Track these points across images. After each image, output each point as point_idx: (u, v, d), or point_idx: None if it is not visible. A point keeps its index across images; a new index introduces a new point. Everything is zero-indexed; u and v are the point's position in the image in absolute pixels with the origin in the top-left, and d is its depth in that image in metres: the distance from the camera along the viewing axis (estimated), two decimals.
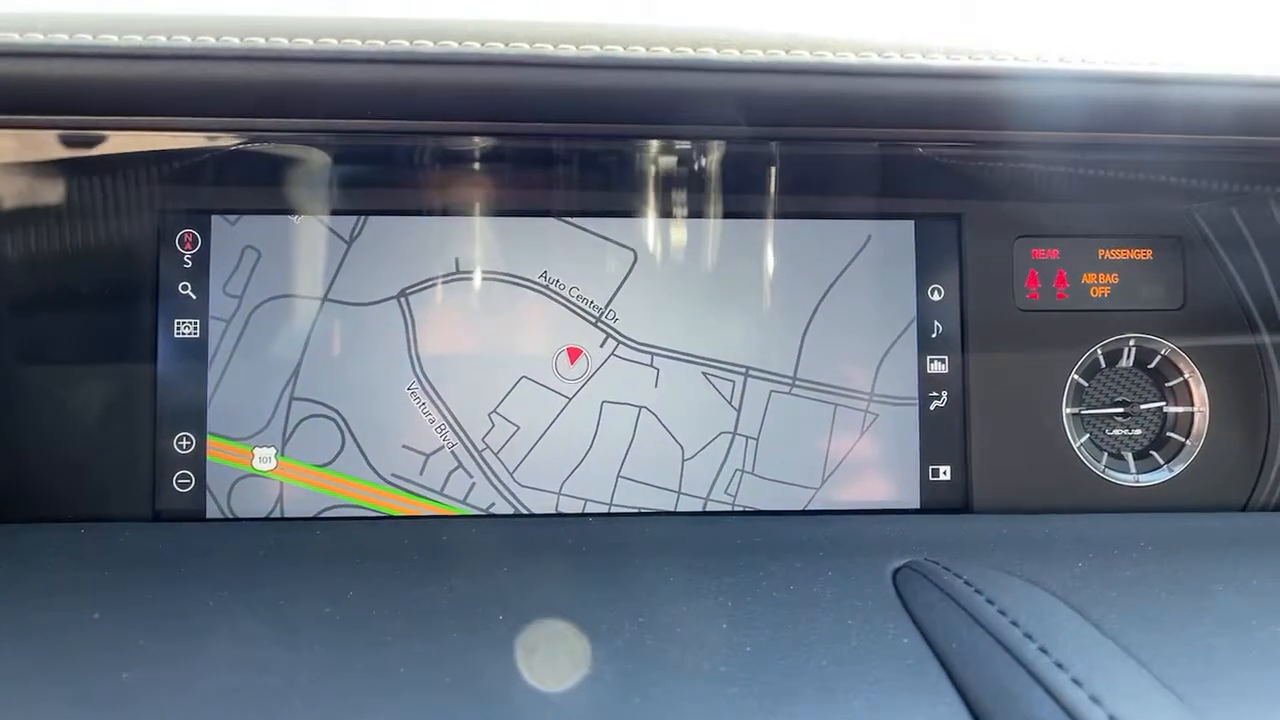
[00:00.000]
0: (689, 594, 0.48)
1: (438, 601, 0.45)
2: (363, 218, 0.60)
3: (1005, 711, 0.36)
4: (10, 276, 0.57)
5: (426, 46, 0.43)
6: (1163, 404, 0.65)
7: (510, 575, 0.50)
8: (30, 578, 0.49)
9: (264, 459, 0.59)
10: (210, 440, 0.59)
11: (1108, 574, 0.49)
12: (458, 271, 0.60)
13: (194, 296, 0.59)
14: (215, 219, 0.59)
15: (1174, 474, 0.63)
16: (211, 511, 0.59)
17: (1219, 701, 0.35)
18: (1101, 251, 0.64)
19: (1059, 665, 0.36)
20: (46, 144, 0.51)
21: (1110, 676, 0.36)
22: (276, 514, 0.59)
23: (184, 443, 0.59)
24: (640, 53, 0.44)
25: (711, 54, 0.44)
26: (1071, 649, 0.38)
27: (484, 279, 0.61)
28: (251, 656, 0.40)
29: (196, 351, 0.59)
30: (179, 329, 0.59)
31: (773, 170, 0.60)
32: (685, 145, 0.55)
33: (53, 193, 0.57)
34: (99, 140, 0.53)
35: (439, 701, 0.36)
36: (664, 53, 0.44)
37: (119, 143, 0.53)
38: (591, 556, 0.53)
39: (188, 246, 0.59)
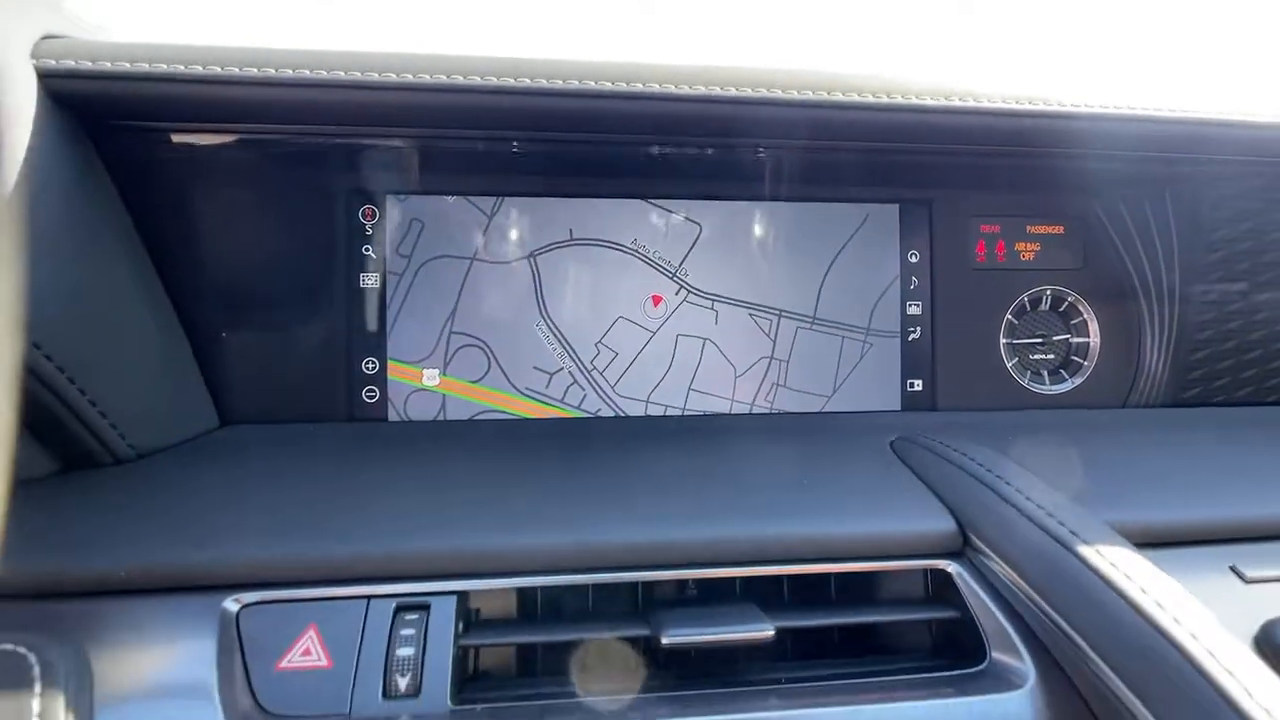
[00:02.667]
0: (741, 458, 0.71)
1: (561, 464, 0.67)
2: (500, 198, 0.80)
3: (982, 520, 0.59)
4: (242, 240, 0.75)
5: (554, 84, 0.62)
6: (1069, 336, 0.90)
7: (613, 449, 0.72)
8: (274, 451, 0.69)
9: (430, 377, 0.80)
10: (390, 364, 0.79)
11: (1032, 442, 0.75)
12: (572, 239, 0.81)
13: (374, 256, 0.79)
14: (389, 198, 0.79)
15: (1075, 385, 0.89)
16: (392, 416, 0.79)
17: (1110, 501, 0.60)
18: (1029, 227, 0.89)
19: (1018, 491, 0.60)
20: (269, 144, 0.70)
21: (1045, 495, 0.60)
22: (440, 417, 0.80)
23: (370, 365, 0.79)
24: (716, 90, 0.65)
25: (767, 93, 0.65)
26: (1021, 481, 0.62)
27: (591, 244, 0.82)
28: (430, 488, 0.62)
29: (378, 298, 0.79)
30: (364, 281, 0.79)
31: (801, 168, 0.82)
32: (740, 151, 0.77)
33: (273, 179, 0.75)
34: (306, 141, 0.72)
35: (573, 512, 0.58)
36: (733, 91, 0.65)
37: (319, 143, 0.72)
38: (672, 440, 0.75)
39: (368, 218, 0.79)
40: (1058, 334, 0.90)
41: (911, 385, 0.87)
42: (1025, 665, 0.53)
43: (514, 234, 0.80)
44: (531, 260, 0.81)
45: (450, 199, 0.80)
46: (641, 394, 0.82)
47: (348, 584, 0.52)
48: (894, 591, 0.61)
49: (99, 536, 0.53)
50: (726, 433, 0.79)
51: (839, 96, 0.65)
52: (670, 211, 0.83)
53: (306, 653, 0.49)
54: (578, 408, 0.81)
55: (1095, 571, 0.52)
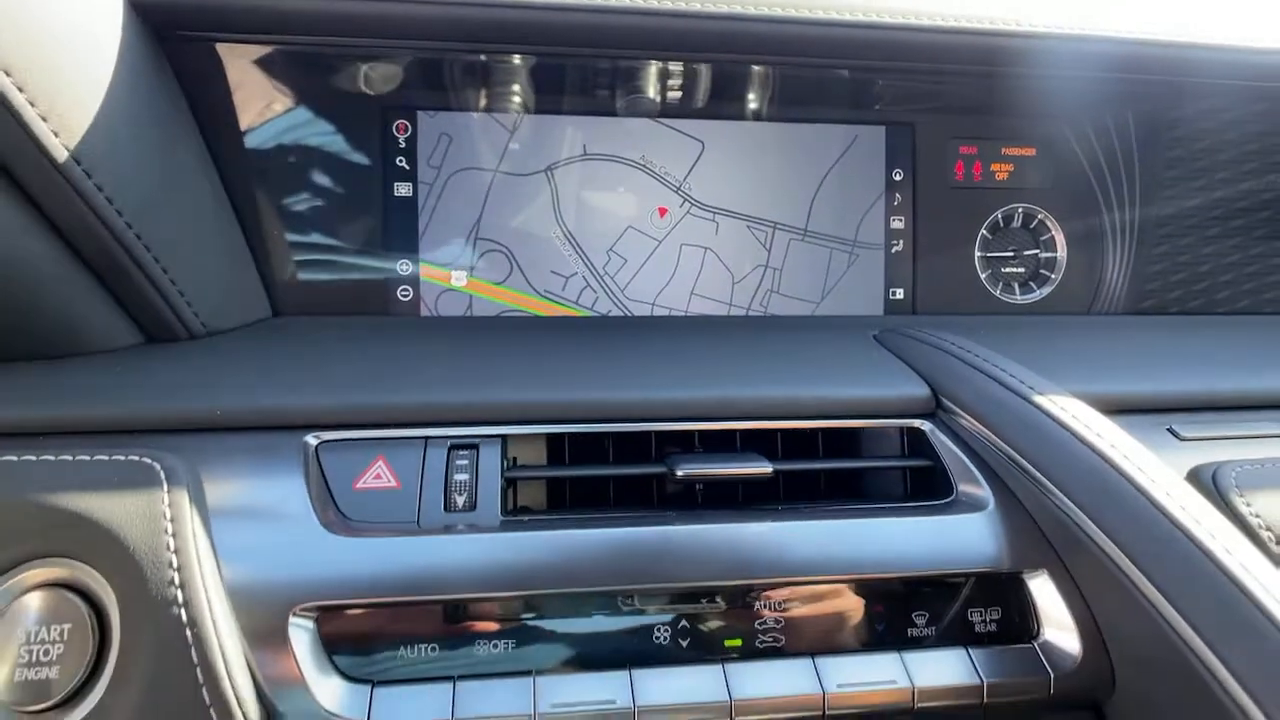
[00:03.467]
0: (740, 341, 0.79)
1: (582, 345, 0.75)
2: (520, 115, 0.88)
3: (953, 384, 0.68)
4: (289, 149, 0.82)
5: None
6: (1038, 251, 0.99)
7: (628, 336, 0.80)
8: (326, 334, 0.77)
9: (458, 278, 0.88)
10: (422, 265, 0.87)
11: (1001, 334, 0.83)
12: (585, 154, 0.89)
13: (407, 167, 0.86)
14: (420, 113, 0.86)
15: (1043, 295, 0.98)
16: (424, 313, 0.87)
17: (1067, 376, 0.68)
18: (1004, 149, 0.97)
19: (985, 360, 0.69)
20: (310, 58, 0.78)
21: (1010, 365, 0.68)
22: (467, 314, 0.88)
23: (404, 267, 0.87)
24: (714, 8, 0.72)
25: (767, 10, 0.73)
26: (988, 355, 0.71)
27: (602, 159, 0.89)
28: (470, 356, 0.70)
29: (411, 205, 0.86)
30: (397, 190, 0.86)
31: (795, 92, 0.90)
32: (739, 71, 0.84)
33: (317, 92, 0.83)
34: (343, 57, 0.80)
35: (597, 375, 0.67)
36: (739, 8, 0.72)
37: (358, 55, 0.80)
38: (678, 330, 0.84)
39: (401, 132, 0.86)
40: (1028, 249, 0.98)
41: (893, 293, 0.95)
42: (986, 494, 0.62)
43: (533, 149, 0.88)
44: (549, 173, 0.88)
45: (476, 115, 0.87)
46: (648, 297, 0.91)
47: (407, 428, 0.61)
48: (874, 448, 0.70)
49: (191, 386, 0.61)
50: (726, 326, 0.88)
51: (820, 14, 0.73)
52: (675, 130, 0.90)
53: (378, 477, 0.58)
54: (591, 309, 0.90)
55: (1051, 417, 0.61)
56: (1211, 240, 0.97)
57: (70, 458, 0.52)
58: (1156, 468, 0.57)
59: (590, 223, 0.89)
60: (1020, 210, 0.97)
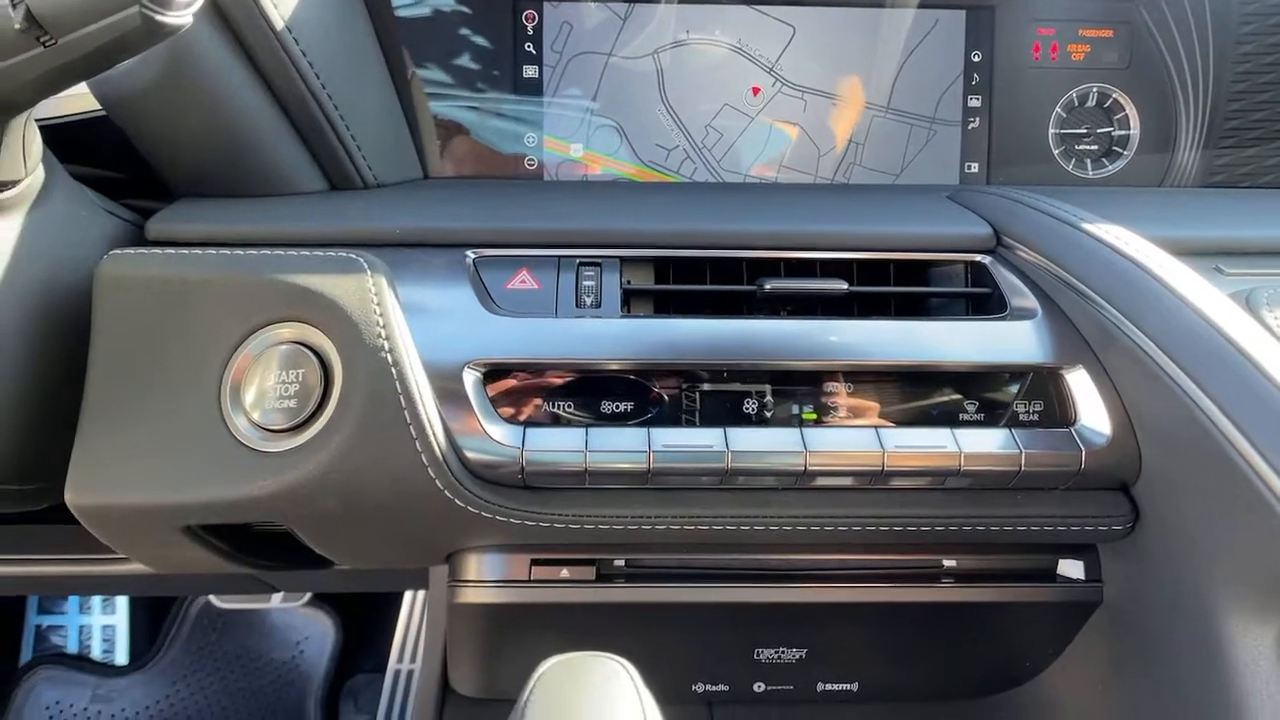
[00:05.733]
0: (825, 194, 0.90)
1: (686, 195, 0.87)
2: (631, 5, 0.99)
3: (1013, 223, 0.77)
4: (436, 35, 0.97)
5: None
6: (1111, 129, 1.05)
7: (725, 191, 0.92)
8: (466, 188, 0.92)
9: (576, 150, 1.01)
10: (546, 138, 1.00)
11: (1068, 194, 0.91)
12: (688, 39, 1.00)
13: (533, 51, 0.99)
14: (546, 4, 0.99)
15: (1115, 170, 1.04)
16: (548, 178, 1.01)
17: (1125, 221, 0.76)
18: (1081, 30, 1.02)
19: (1045, 202, 0.78)
20: None
21: (1063, 206, 0.77)
22: (584, 179, 1.01)
23: (530, 139, 1.00)
24: None
25: None
26: (1048, 202, 0.79)
27: (703, 43, 1.00)
28: (591, 198, 0.83)
29: (536, 85, 1.00)
30: (526, 71, 0.99)
31: None
32: None
33: None
34: None
35: (698, 213, 0.79)
36: None
37: None
38: (765, 193, 0.95)
39: (529, 20, 0.99)
40: (1101, 127, 1.04)
41: (968, 167, 1.03)
42: (1035, 307, 0.72)
43: (641, 35, 1.00)
44: (655, 56, 1.00)
45: (593, 5, 0.99)
46: (741, 168, 1.02)
47: (544, 249, 0.75)
48: (940, 284, 0.80)
49: (375, 214, 0.77)
50: (812, 189, 0.99)
51: None
52: (768, 15, 1.00)
53: (523, 282, 0.72)
54: (689, 178, 1.02)
55: (1097, 239, 0.70)
56: None
57: (301, 253, 0.68)
58: (1189, 275, 0.65)
59: (691, 101, 1.01)
60: (1095, 90, 1.03)
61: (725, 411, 0.68)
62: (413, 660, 1.77)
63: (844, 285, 0.73)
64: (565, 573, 0.73)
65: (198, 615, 1.86)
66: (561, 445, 0.65)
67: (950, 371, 0.69)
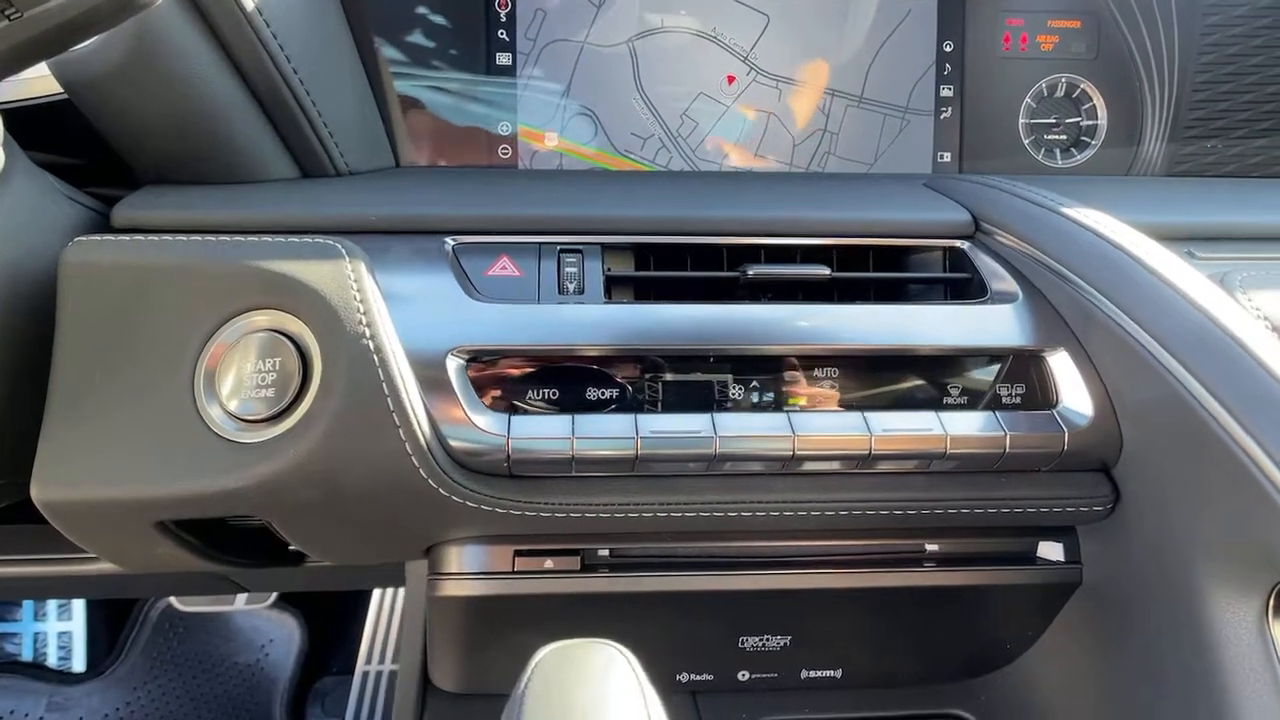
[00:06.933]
0: (802, 183, 0.90)
1: (663, 183, 0.87)
2: None
3: (991, 209, 0.78)
4: (404, 20, 0.94)
5: None
6: (1079, 119, 1.06)
7: (701, 180, 0.92)
8: (440, 177, 0.90)
9: (550, 139, 0.99)
10: (520, 126, 0.99)
11: (1042, 182, 0.92)
12: (662, 27, 0.99)
13: (506, 38, 0.98)
14: None
15: (1083, 160, 1.06)
16: (522, 166, 0.99)
17: (1098, 207, 0.77)
18: (1049, 21, 1.04)
19: (1023, 188, 0.79)
20: None
21: (1041, 192, 0.78)
22: (559, 168, 1.00)
23: (504, 128, 0.99)
24: None
25: None
26: (1026, 188, 0.80)
27: (677, 31, 1.00)
28: (570, 186, 0.82)
29: (510, 72, 0.98)
30: (499, 59, 0.98)
31: None
32: None
33: None
34: None
35: (678, 200, 0.79)
36: None
37: None
38: (742, 181, 0.95)
39: (503, 6, 0.97)
40: (1070, 117, 1.06)
41: (941, 156, 1.04)
42: (1015, 290, 0.72)
43: (616, 22, 0.99)
44: (630, 44, 0.99)
45: None
46: (717, 157, 1.01)
47: (522, 235, 0.74)
48: (918, 264, 0.80)
49: (349, 199, 0.75)
50: (788, 178, 0.99)
51: None
52: (742, 4, 1.00)
53: (504, 268, 0.71)
54: (664, 167, 1.01)
55: (1076, 223, 0.71)
56: (1242, 108, 1.03)
57: (277, 239, 0.66)
58: (1169, 257, 0.66)
59: (666, 89, 1.00)
60: (1064, 80, 1.05)
61: (711, 397, 0.67)
62: (382, 661, 1.75)
63: (826, 270, 0.73)
64: (549, 563, 0.72)
65: (158, 619, 1.81)
66: (548, 432, 0.64)
67: (934, 355, 0.70)
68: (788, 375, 0.68)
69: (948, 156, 1.04)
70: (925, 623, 0.82)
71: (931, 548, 0.77)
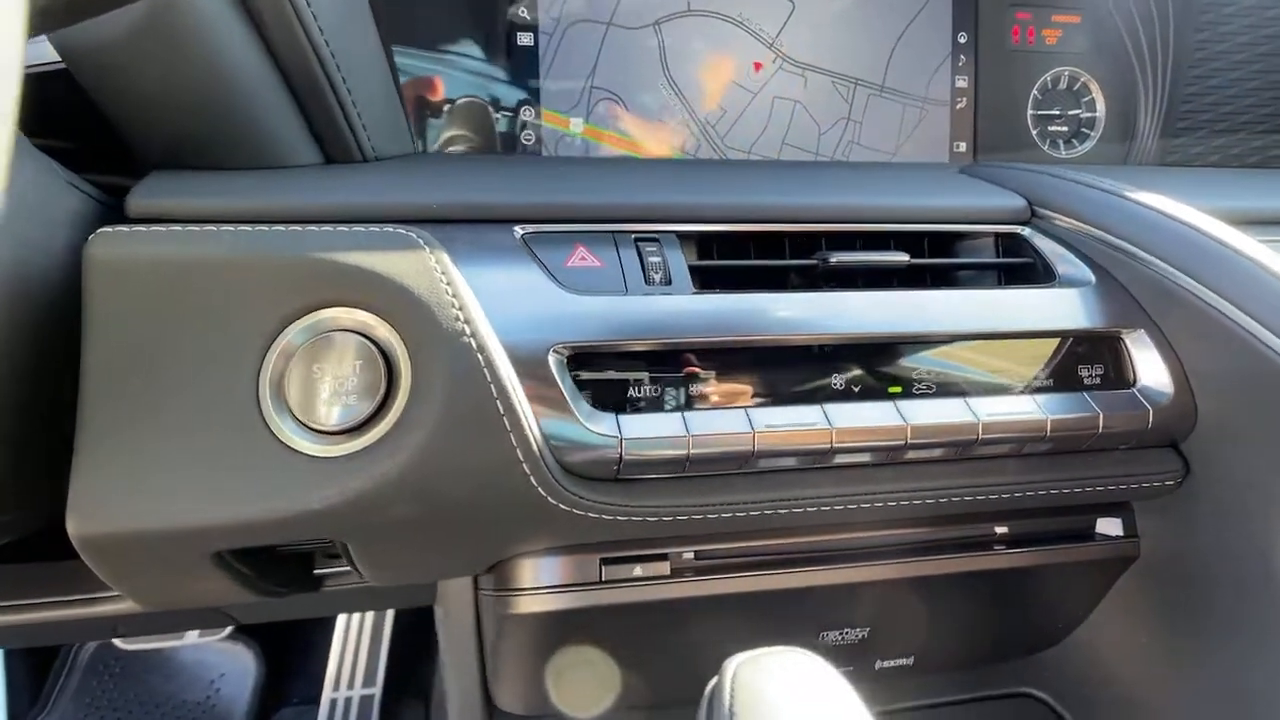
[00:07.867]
0: (845, 169, 0.89)
1: (708, 170, 0.84)
2: None
3: (1048, 195, 0.78)
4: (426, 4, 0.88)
5: None
6: (1080, 111, 1.10)
7: (730, 168, 0.89)
8: (468, 163, 0.84)
9: (576, 125, 0.94)
10: (544, 112, 0.93)
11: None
12: (689, 10, 0.96)
13: (528, 18, 0.92)
14: None
15: (1083, 151, 1.09)
16: (546, 153, 0.94)
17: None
18: (1054, 16, 1.07)
19: (1078, 173, 0.79)
20: None
21: (1097, 178, 0.79)
22: (584, 155, 0.95)
23: (528, 112, 0.93)
24: None
25: None
26: (1079, 174, 0.81)
27: (705, 15, 0.97)
28: (620, 171, 0.78)
29: (532, 54, 0.93)
30: (520, 39, 0.92)
31: None
32: None
33: None
34: None
35: (745, 188, 0.76)
36: None
37: None
38: (766, 169, 0.93)
39: None
40: (1071, 109, 1.09)
41: (956, 146, 1.05)
42: (1086, 274, 0.73)
43: (642, 3, 0.95)
44: (656, 27, 0.95)
45: None
46: (744, 145, 0.99)
47: (595, 223, 0.69)
48: (966, 250, 0.80)
49: (392, 185, 0.68)
50: (820, 166, 0.97)
51: None
52: None
53: (583, 259, 0.66)
54: (692, 155, 0.98)
55: (1143, 204, 0.72)
56: (1231, 100, 1.09)
57: (341, 229, 0.59)
58: (1243, 235, 0.68)
59: (693, 73, 0.97)
60: (1066, 73, 1.08)
61: (819, 388, 0.65)
62: (351, 687, 1.64)
63: (906, 257, 0.72)
64: (639, 570, 0.67)
65: (89, 661, 1.65)
66: (661, 432, 0.60)
67: (1023, 339, 0.70)
68: (890, 363, 0.67)
69: (963, 146, 1.05)
70: (989, 604, 0.83)
71: (1000, 530, 0.77)
